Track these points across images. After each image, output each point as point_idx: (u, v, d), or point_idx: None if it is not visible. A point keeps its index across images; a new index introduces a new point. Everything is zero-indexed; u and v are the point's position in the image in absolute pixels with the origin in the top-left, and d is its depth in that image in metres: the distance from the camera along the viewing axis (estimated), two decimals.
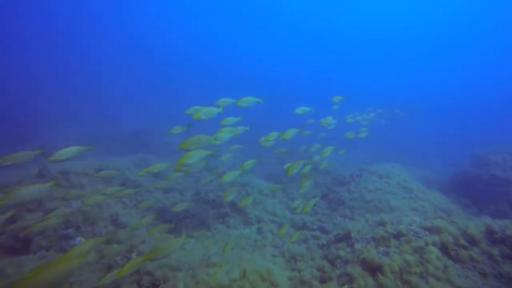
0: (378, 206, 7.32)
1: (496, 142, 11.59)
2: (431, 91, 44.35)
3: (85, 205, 6.03)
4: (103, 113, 25.02)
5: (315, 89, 39.64)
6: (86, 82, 40.20)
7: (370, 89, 43.76)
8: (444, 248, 4.25)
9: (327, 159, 11.22)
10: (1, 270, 4.15)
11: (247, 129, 5.89)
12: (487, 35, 49.06)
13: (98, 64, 49.53)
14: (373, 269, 4.26)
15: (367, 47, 58.31)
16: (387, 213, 6.62)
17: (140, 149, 13.16)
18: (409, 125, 25.77)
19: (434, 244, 4.33)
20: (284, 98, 26.29)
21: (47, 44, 48.43)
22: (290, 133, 5.52)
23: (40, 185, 3.29)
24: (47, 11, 45.64)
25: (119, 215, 6.53)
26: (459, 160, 12.21)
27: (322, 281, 4.46)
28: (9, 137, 15.27)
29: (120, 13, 52.27)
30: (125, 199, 7.62)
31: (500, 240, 4.20)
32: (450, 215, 6.23)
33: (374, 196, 7.69)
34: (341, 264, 4.88)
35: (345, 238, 5.51)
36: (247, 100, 5.46)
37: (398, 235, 4.79)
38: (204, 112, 4.69)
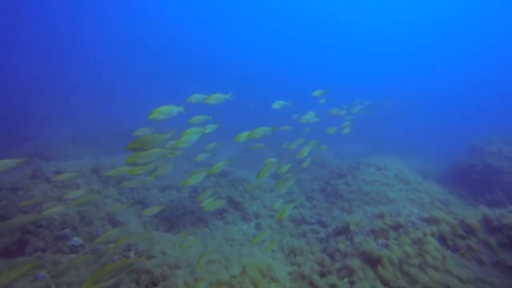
0: (376, 198, 7.34)
1: (493, 131, 11.65)
2: (427, 85, 44.52)
3: (81, 205, 5.97)
4: (102, 112, 24.93)
5: (307, 84, 39.63)
6: (86, 82, 39.99)
7: (363, 83, 43.98)
8: (442, 239, 4.27)
9: (318, 154, 11.22)
10: None
11: (218, 127, 5.69)
12: (480, 29, 49.15)
13: (98, 64, 49.48)
14: (373, 262, 4.28)
15: (360, 42, 58.07)
16: (385, 205, 6.63)
17: None
18: (404, 118, 25.92)
19: (432, 235, 4.35)
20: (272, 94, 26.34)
21: (47, 44, 48.11)
22: (259, 132, 5.22)
23: (11, 160, 3.79)
24: (47, 11, 44.87)
25: (116, 214, 6.47)
26: (457, 151, 12.27)
27: (322, 275, 4.47)
28: (9, 137, 15.11)
29: (120, 13, 51.64)
30: (121, 197, 7.56)
31: (497, 229, 4.22)
32: (448, 205, 6.28)
33: (372, 188, 7.71)
34: (340, 257, 4.89)
35: (344, 231, 5.52)
36: (216, 98, 5.23)
37: (396, 227, 4.80)
38: (161, 111, 4.20)
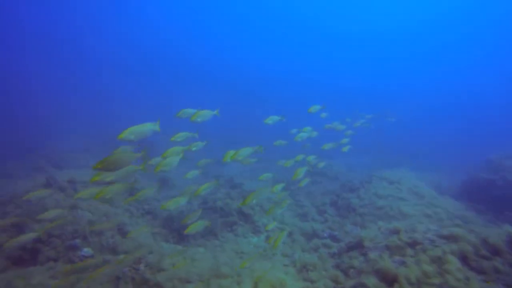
0: (389, 213, 7.14)
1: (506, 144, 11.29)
2: (437, 93, 43.70)
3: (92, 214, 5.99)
4: (104, 113, 25.01)
5: (306, 94, 39.51)
6: (86, 82, 40.44)
7: (369, 92, 43.49)
8: (463, 258, 4.07)
9: (329, 166, 10.97)
10: (8, 282, 4.08)
11: (204, 144, 5.40)
12: (485, 33, 48.02)
13: (98, 64, 49.91)
14: (389, 280, 4.10)
15: (363, 48, 57.38)
16: (399, 220, 6.44)
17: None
18: (412, 127, 25.47)
19: (452, 254, 4.16)
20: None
21: (47, 44, 48.13)
22: (242, 153, 5.04)
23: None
24: (47, 11, 45.29)
25: (125, 224, 6.46)
26: (470, 164, 11.91)
27: None
28: (15, 145, 15.20)
29: (120, 13, 52.02)
30: (131, 207, 7.57)
31: None
32: (467, 222, 6.03)
33: (385, 202, 7.52)
34: (354, 274, 4.72)
35: (357, 246, 5.35)
36: (203, 115, 4.96)
37: (413, 244, 4.62)
38: (132, 131, 3.65)
